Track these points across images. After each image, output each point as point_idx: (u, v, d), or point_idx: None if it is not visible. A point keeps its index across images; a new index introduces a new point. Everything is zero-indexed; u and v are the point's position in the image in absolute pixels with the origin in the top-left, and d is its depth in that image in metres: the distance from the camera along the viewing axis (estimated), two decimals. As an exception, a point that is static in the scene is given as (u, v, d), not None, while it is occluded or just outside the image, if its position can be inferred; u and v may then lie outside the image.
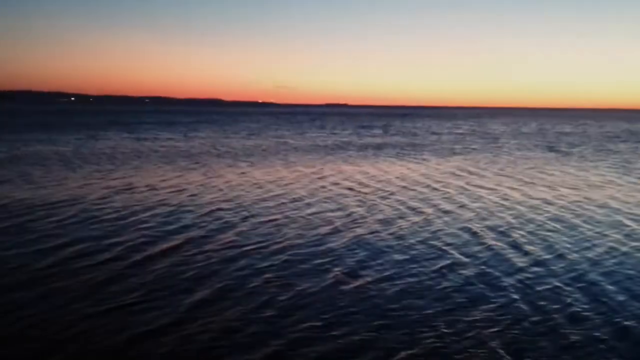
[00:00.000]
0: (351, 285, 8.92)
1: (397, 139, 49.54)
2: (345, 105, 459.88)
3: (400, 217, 14.36)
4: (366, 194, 18.06)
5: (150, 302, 8.12)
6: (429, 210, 15.27)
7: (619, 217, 14.55)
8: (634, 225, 13.66)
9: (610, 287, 9.02)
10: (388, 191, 18.58)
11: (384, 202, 16.59)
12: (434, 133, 60.24)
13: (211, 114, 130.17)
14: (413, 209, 15.54)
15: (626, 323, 7.51)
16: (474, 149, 38.82)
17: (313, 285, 8.94)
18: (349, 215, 14.55)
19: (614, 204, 16.61)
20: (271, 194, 17.75)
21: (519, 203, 16.57)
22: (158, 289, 8.63)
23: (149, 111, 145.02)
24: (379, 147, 38.70)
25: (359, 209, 15.45)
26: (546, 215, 14.81)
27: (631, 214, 15.07)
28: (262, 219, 13.86)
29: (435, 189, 19.31)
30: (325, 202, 16.36)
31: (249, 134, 52.79)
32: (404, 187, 19.64)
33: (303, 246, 11.34)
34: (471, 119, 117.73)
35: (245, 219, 13.88)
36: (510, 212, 15.22)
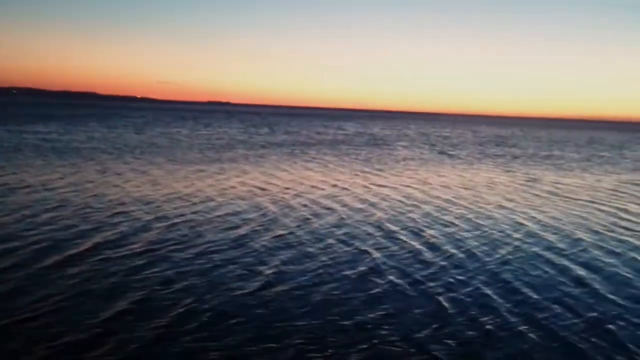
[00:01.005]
0: (276, 290, 8.64)
1: (285, 137, 49.68)
2: (228, 104, 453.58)
3: (314, 216, 14.33)
4: (275, 192, 17.86)
5: (55, 315, 7.30)
6: (340, 209, 15.40)
7: (514, 216, 15.49)
8: (530, 224, 14.57)
9: (522, 285, 9.48)
10: (296, 190, 18.50)
11: (295, 200, 16.47)
12: (319, 133, 61.03)
13: (86, 107, 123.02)
14: (325, 207, 15.59)
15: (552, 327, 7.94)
16: (362, 149, 39.91)
17: (238, 290, 8.58)
18: (263, 215, 14.28)
19: (508, 204, 17.68)
20: (178, 193, 16.98)
21: (423, 202, 17.14)
22: (66, 301, 7.82)
23: (20, 103, 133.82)
24: (275, 145, 38.58)
25: (271, 207, 15.24)
26: (451, 214, 15.43)
27: (524, 212, 16.11)
28: (176, 220, 13.21)
29: (342, 188, 19.51)
30: (236, 202, 15.95)
31: (136, 130, 50.44)
32: (312, 186, 19.67)
33: (222, 249, 10.89)
34: (352, 121, 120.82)
35: (157, 219, 13.15)
36: (416, 211, 15.68)
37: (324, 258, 10.57)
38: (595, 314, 8.19)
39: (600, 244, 12.65)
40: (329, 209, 15.56)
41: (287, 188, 18.95)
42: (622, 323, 7.87)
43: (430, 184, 21.80)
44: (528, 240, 12.70)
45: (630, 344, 7.15)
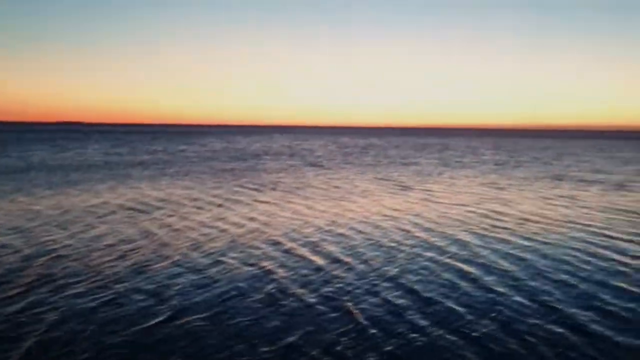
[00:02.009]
0: (181, 322, 8.20)
1: (148, 157, 47.93)
2: (80, 124, 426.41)
3: (204, 237, 13.90)
4: (157, 215, 17.07)
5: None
6: (230, 229, 15.09)
7: (397, 223, 16.17)
8: (415, 229, 15.29)
9: (424, 290, 9.87)
10: (178, 211, 17.83)
11: (181, 223, 15.86)
12: (182, 150, 59.74)
13: None
14: (213, 227, 15.19)
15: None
16: (234, 164, 39.61)
17: (139, 325, 8.06)
18: (151, 240, 13.58)
19: (388, 211, 18.40)
20: (41, 217, 15.62)
21: (311, 216, 17.30)
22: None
23: None
24: (139, 165, 36.96)
25: (157, 231, 14.55)
26: (340, 226, 15.71)
27: (406, 218, 16.87)
28: (41, 248, 12.20)
29: (226, 207, 19.13)
30: (118, 227, 15.02)
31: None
32: (195, 206, 19.07)
33: (118, 279, 10.21)
34: (214, 136, 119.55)
35: (17, 250, 12.02)
36: (306, 226, 15.79)
37: (226, 282, 10.25)
38: (495, 312, 8.72)
39: (482, 243, 13.53)
40: (217, 228, 15.20)
41: (169, 209, 18.20)
42: (523, 318, 8.45)
43: (313, 198, 22.07)
44: (418, 245, 13.25)
45: (533, 338, 7.69)
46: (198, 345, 7.36)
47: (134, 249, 12.61)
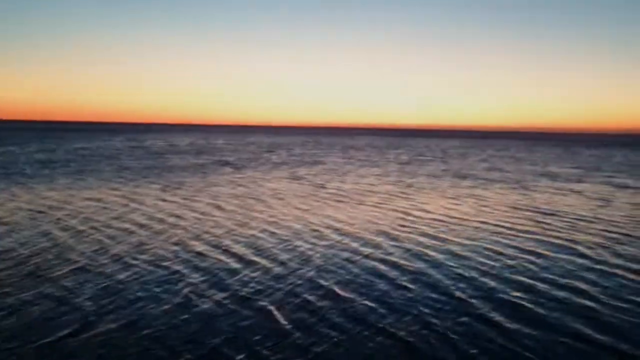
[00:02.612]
0: (93, 333, 7.82)
1: (69, 156, 45.21)
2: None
3: (111, 240, 13.25)
4: (60, 216, 16.08)
5: None
6: (137, 230, 14.51)
7: (311, 222, 16.28)
8: (328, 229, 15.44)
9: (343, 289, 9.99)
10: (94, 212, 16.90)
11: (84, 225, 15.02)
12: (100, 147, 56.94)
13: None
14: (119, 229, 14.53)
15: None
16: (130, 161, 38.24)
17: (42, 339, 7.59)
18: (52, 242, 12.76)
19: (301, 212, 18.47)
20: None
21: (219, 217, 17.01)
22: None
23: None
24: (59, 164, 34.71)
25: (59, 233, 13.71)
26: (252, 227, 15.56)
27: (319, 218, 17.02)
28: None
29: (133, 207, 18.37)
30: (11, 228, 14.00)
31: None
32: (102, 207, 18.15)
33: (15, 290, 9.52)
34: (120, 135, 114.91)
35: None
36: (216, 227, 15.50)
37: (138, 286, 9.82)
38: (411, 309, 8.98)
39: (394, 243, 13.88)
40: (123, 230, 14.56)
41: (69, 211, 17.19)
42: (438, 314, 8.74)
43: (220, 197, 21.69)
44: (332, 246, 13.36)
45: (452, 335, 7.98)
46: (115, 355, 6.98)
47: (34, 254, 11.80)
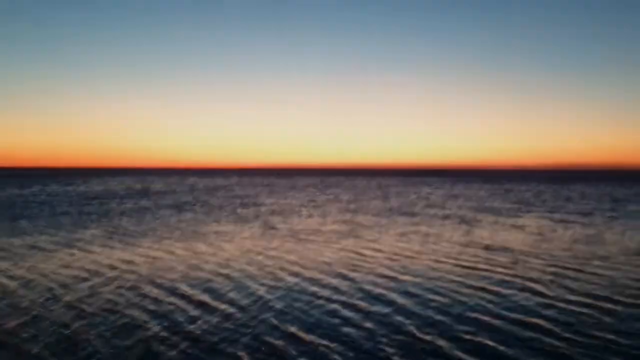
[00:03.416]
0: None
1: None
2: None
3: (62, 288, 12.77)
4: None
5: None
6: (90, 276, 14.07)
7: (262, 262, 16.20)
8: (278, 268, 15.40)
9: (301, 330, 10.02)
10: (19, 257, 16.18)
11: (28, 273, 14.39)
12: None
13: None
14: (73, 277, 14.01)
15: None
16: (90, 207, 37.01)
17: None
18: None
19: (253, 255, 18.34)
20: None
21: (166, 260, 16.71)
22: None
23: None
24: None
25: (8, 282, 13.08)
26: (205, 271, 15.36)
27: (282, 265, 16.94)
28: None
29: (83, 253, 17.75)
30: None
31: None
32: (48, 250, 17.42)
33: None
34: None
35: None
36: (168, 270, 15.24)
37: (94, 337, 9.50)
38: (371, 348, 9.05)
39: (350, 282, 13.97)
40: (74, 277, 14.05)
41: (37, 256, 16.43)
42: (404, 355, 8.85)
43: (167, 239, 21.26)
44: (290, 287, 13.35)
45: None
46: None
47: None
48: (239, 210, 35.79)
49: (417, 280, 14.39)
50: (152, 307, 11.43)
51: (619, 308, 11.59)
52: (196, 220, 28.89)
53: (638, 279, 14.43)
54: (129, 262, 16.47)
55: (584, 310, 11.48)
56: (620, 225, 27.69)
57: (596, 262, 16.88)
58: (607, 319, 10.79)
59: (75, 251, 18.43)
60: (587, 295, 12.74)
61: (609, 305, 11.77)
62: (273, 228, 25.92)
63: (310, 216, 32.42)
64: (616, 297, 12.45)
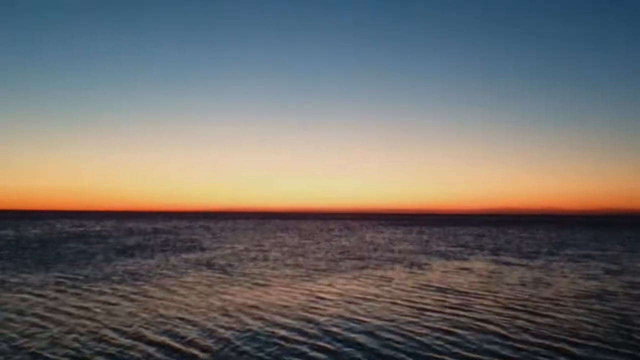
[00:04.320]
0: None
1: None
2: None
3: (31, 337, 12.35)
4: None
5: None
6: (49, 325, 13.64)
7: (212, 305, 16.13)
8: (253, 323, 15.38)
9: None
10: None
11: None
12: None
13: None
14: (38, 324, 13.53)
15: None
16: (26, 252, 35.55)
17: None
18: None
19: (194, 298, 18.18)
20: None
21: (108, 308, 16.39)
22: None
23: None
24: None
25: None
26: (168, 320, 15.17)
27: (236, 313, 16.86)
28: None
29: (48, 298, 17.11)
30: None
31: None
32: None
33: None
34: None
35: None
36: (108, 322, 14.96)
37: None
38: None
39: (311, 325, 14.12)
40: (32, 325, 13.60)
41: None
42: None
43: (120, 284, 20.76)
44: (255, 331, 13.39)
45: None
46: None
47: None
48: (185, 255, 35.25)
49: (376, 322, 14.72)
50: (118, 355, 11.21)
51: (572, 349, 12.22)
52: (146, 265, 28.30)
53: (589, 322, 15.18)
54: (85, 308, 16.04)
55: (539, 349, 12.04)
56: (562, 268, 28.96)
57: (546, 304, 17.65)
58: (558, 357, 11.38)
59: (30, 297, 17.81)
60: (540, 335, 13.36)
61: (563, 346, 12.40)
62: (225, 272, 25.72)
63: (259, 260, 32.31)
64: (570, 339, 13.10)
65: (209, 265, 29.22)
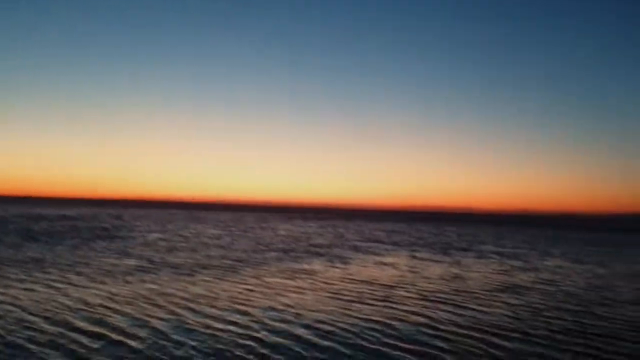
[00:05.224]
0: None
1: None
2: None
3: None
4: None
5: None
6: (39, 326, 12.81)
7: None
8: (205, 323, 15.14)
9: None
10: None
11: None
12: None
13: None
14: None
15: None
16: None
17: None
18: None
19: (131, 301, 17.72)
20: None
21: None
22: None
23: None
24: None
25: None
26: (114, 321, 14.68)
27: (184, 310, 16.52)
28: None
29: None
30: None
31: None
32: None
33: None
34: None
35: None
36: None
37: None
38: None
39: (238, 315, 14.11)
40: None
41: None
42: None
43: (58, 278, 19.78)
44: (178, 318, 13.21)
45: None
46: None
47: None
48: (102, 243, 34.01)
49: (303, 312, 15.00)
50: (48, 342, 10.79)
51: (493, 338, 12.99)
52: (63, 252, 27.03)
53: (504, 313, 16.12)
54: (6, 294, 15.20)
55: (465, 339, 12.71)
56: (476, 264, 30.42)
57: (465, 297, 18.56)
58: (482, 346, 12.07)
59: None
60: (465, 326, 14.08)
61: (485, 336, 13.16)
62: (148, 261, 25.10)
63: (181, 250, 31.72)
64: (490, 329, 13.92)
65: (127, 254, 28.37)
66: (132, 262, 25.08)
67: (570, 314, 16.13)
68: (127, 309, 14.39)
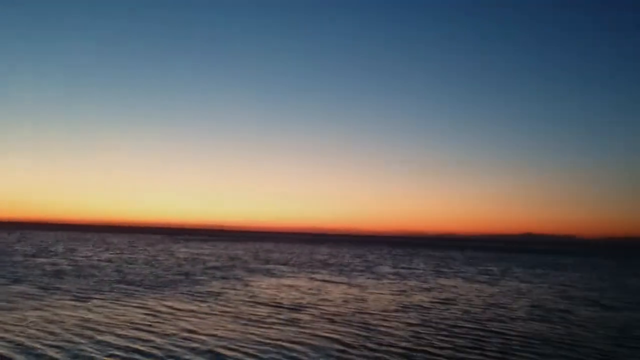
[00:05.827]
0: None
1: None
2: None
3: None
4: None
5: None
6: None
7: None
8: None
9: None
10: None
11: None
12: None
13: None
14: None
15: None
16: None
17: None
18: None
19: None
20: None
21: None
22: None
23: None
24: None
25: None
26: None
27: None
28: None
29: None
30: None
31: None
32: None
33: None
34: None
35: None
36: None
37: None
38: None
39: (147, 341, 13.36)
40: None
41: None
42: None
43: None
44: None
45: None
46: None
47: None
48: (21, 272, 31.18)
49: (208, 338, 14.51)
50: None
51: (406, 353, 13.16)
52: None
53: (413, 330, 16.45)
54: None
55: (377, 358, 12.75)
56: (377, 285, 30.98)
57: (371, 317, 18.77)
58: None
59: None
60: (371, 348, 14.23)
61: (399, 350, 13.32)
62: (38, 286, 23.29)
63: (72, 275, 29.81)
64: (400, 343, 14.20)
65: (10, 278, 26.15)
66: (17, 287, 23.13)
67: (466, 331, 16.75)
68: (20, 338, 13.27)
